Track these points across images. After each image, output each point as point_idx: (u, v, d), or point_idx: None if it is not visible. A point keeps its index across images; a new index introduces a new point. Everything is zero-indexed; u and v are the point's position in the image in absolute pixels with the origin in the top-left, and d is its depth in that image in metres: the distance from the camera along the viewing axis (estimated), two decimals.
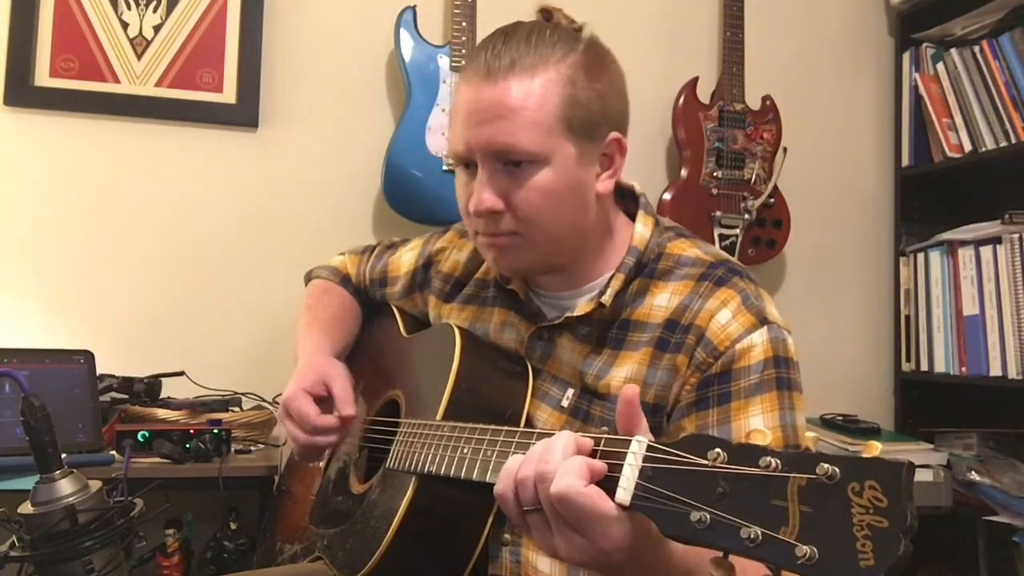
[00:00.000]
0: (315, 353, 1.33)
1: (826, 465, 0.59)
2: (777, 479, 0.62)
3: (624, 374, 1.08)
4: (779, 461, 0.62)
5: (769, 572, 0.64)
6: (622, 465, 0.72)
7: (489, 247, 1.11)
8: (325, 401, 1.25)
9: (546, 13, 1.12)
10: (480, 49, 1.08)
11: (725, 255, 1.14)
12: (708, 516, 0.64)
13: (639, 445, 0.72)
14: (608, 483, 0.73)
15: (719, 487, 0.65)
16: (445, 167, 2.11)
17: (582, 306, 1.12)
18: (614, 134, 1.10)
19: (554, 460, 0.76)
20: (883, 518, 0.56)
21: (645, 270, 1.12)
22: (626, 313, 1.11)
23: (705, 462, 0.66)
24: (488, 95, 1.04)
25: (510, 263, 1.12)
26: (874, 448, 0.59)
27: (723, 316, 1.05)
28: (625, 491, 0.71)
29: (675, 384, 1.05)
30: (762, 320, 1.05)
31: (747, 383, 1.02)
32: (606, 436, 0.76)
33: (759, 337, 1.03)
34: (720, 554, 0.65)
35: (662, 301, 1.09)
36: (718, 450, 0.66)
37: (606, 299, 1.09)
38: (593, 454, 0.77)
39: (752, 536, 0.61)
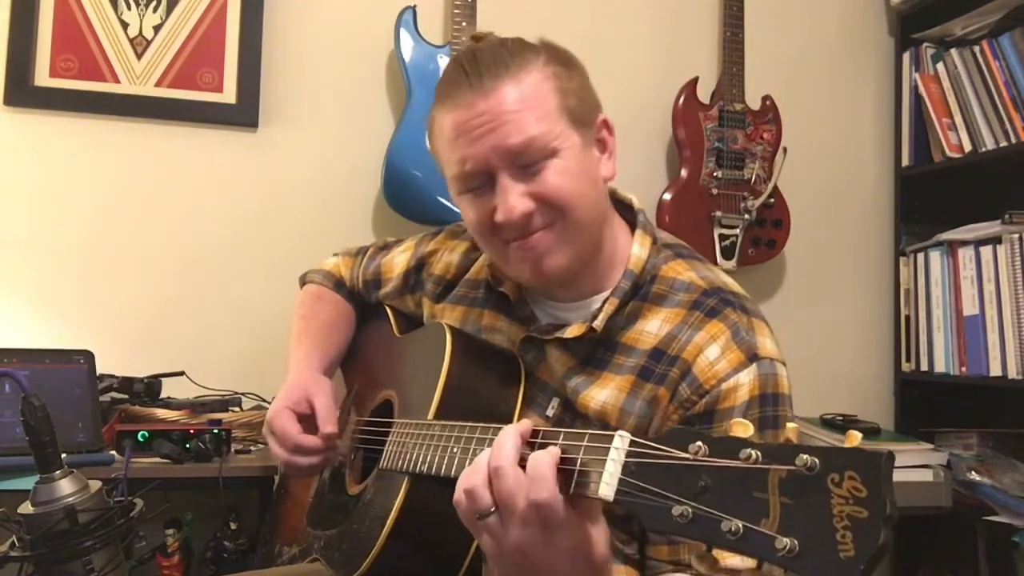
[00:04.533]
0: (302, 367, 1.33)
1: (806, 456, 0.59)
2: (757, 471, 0.62)
3: (603, 397, 1.07)
4: (759, 453, 0.62)
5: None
6: (605, 461, 0.72)
7: (524, 256, 1.08)
8: (310, 419, 1.25)
9: (478, 38, 1.13)
10: (453, 75, 1.07)
11: (721, 281, 1.11)
12: (690, 510, 0.64)
13: (622, 440, 0.72)
14: (588, 478, 0.74)
15: (701, 480, 0.65)
16: None
17: (573, 328, 1.10)
18: (600, 116, 1.12)
19: (506, 457, 0.78)
20: (863, 508, 0.56)
21: (639, 293, 1.11)
22: (616, 335, 1.09)
23: (687, 456, 0.66)
24: (485, 106, 1.03)
25: (550, 265, 1.08)
26: (854, 438, 0.59)
27: (711, 352, 1.03)
28: (608, 486, 0.71)
29: (656, 417, 1.04)
30: (752, 357, 1.03)
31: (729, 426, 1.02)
32: (589, 432, 0.76)
33: (746, 376, 1.02)
34: (703, 547, 0.65)
35: (652, 328, 1.08)
36: (699, 443, 0.66)
37: (598, 324, 1.08)
38: (574, 450, 0.78)
39: (733, 529, 0.61)
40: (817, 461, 0.59)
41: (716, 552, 0.65)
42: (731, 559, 0.72)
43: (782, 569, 0.61)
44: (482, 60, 1.05)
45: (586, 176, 1.08)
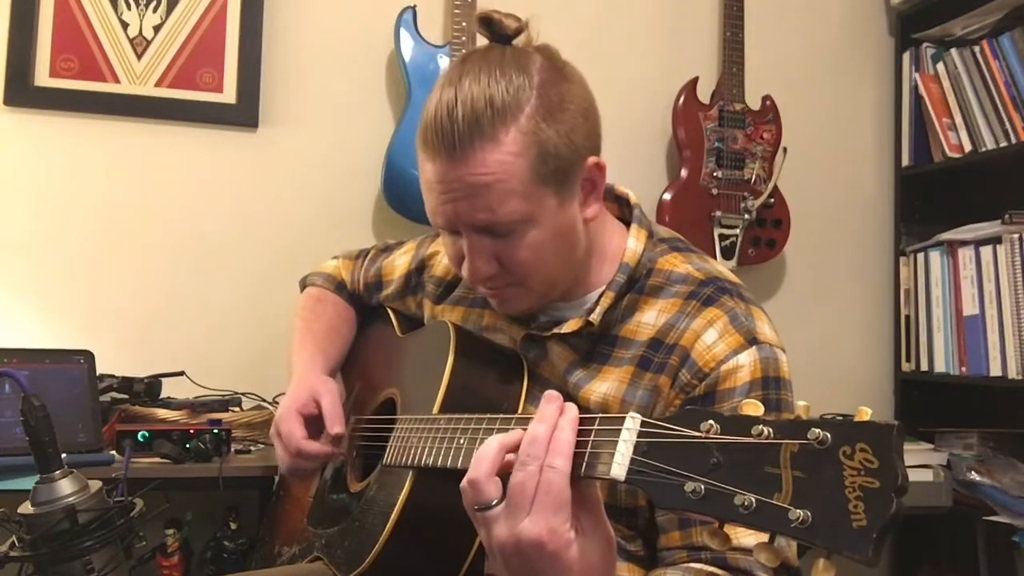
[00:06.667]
0: (307, 369, 1.33)
1: (817, 430, 0.60)
2: (769, 447, 0.62)
3: (604, 389, 1.07)
4: (771, 429, 0.63)
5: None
6: (616, 442, 0.72)
7: (491, 297, 1.12)
8: (316, 419, 1.25)
9: (485, 20, 1.06)
10: (435, 112, 1.00)
11: (717, 271, 1.11)
12: (702, 486, 0.65)
13: (633, 421, 0.73)
14: (599, 459, 0.74)
15: (713, 457, 0.65)
16: None
17: (571, 323, 1.10)
18: (590, 160, 1.05)
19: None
20: (874, 479, 0.57)
21: (636, 286, 1.11)
22: (615, 329, 1.10)
23: (698, 434, 0.67)
24: (456, 173, 0.98)
25: (513, 308, 1.12)
26: (864, 413, 0.60)
27: (709, 336, 1.03)
28: (620, 466, 0.71)
29: (658, 405, 1.04)
30: (751, 340, 1.03)
31: (730, 406, 1.00)
32: (600, 416, 0.76)
33: (746, 358, 1.01)
34: (716, 524, 0.66)
35: (650, 319, 1.08)
36: (711, 422, 0.67)
37: (594, 318, 1.08)
38: (585, 434, 0.77)
39: (746, 503, 0.62)
40: (829, 435, 0.60)
41: (728, 529, 0.66)
42: (744, 538, 0.73)
43: (794, 542, 0.62)
44: (462, 104, 0.98)
45: (560, 239, 1.05)
